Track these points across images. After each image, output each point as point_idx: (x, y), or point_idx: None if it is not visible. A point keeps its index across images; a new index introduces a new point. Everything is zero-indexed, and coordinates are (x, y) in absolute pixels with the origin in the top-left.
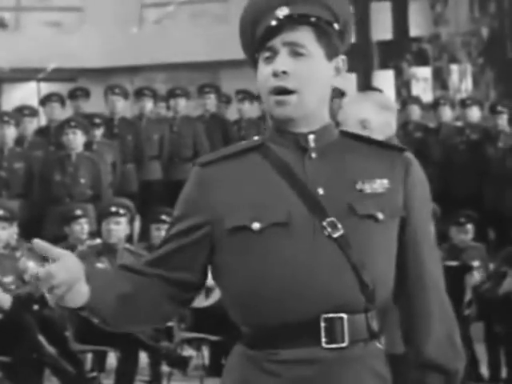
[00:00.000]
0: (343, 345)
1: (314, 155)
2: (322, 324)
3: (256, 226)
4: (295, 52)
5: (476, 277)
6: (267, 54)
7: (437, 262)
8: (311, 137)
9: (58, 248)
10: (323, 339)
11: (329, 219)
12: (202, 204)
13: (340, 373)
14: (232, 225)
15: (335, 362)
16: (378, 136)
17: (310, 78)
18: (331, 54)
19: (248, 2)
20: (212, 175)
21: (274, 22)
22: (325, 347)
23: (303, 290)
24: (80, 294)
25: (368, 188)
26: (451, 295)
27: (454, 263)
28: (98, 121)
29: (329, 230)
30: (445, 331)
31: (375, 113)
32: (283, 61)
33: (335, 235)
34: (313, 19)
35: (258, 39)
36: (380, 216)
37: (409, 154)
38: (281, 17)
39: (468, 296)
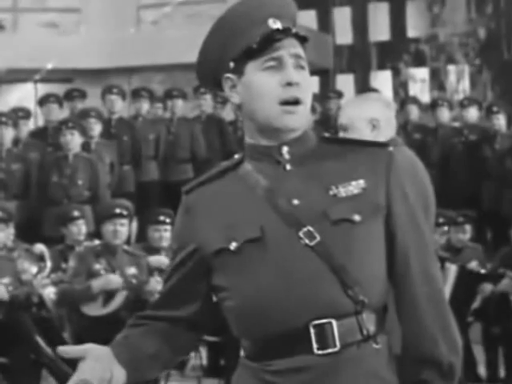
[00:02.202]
0: (335, 349)
1: (288, 167)
2: (312, 331)
3: (233, 245)
4: (298, 65)
5: (488, 288)
6: (272, 64)
7: (427, 254)
8: (285, 149)
9: (77, 346)
10: (315, 346)
11: (305, 229)
12: (189, 233)
13: (334, 377)
14: (214, 248)
15: (329, 367)
16: (385, 135)
17: (309, 91)
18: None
19: (230, 11)
20: (195, 201)
21: (276, 26)
22: (317, 353)
23: (286, 301)
24: (119, 380)
25: (342, 192)
26: (463, 297)
27: (480, 270)
28: (93, 113)
29: (306, 239)
30: (438, 324)
31: (383, 111)
32: (292, 72)
33: (312, 243)
34: (303, 34)
35: (252, 46)
36: (356, 218)
37: (392, 149)
38: (274, 27)
39: (476, 304)
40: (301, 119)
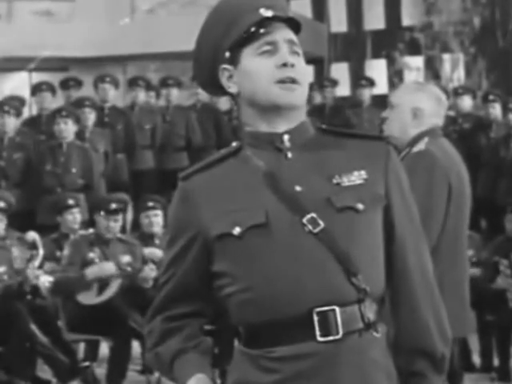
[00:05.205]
0: (338, 337)
1: (290, 154)
2: (315, 318)
3: (237, 230)
4: (293, 50)
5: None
6: (267, 48)
7: (422, 246)
8: (286, 137)
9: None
10: (317, 333)
11: (309, 215)
12: (188, 220)
13: (336, 365)
14: (216, 233)
15: (331, 354)
16: (427, 125)
17: (305, 75)
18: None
19: (223, 3)
20: (193, 187)
21: (268, 14)
22: (320, 340)
23: (290, 287)
24: None
25: (346, 181)
26: None
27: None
28: (88, 103)
29: (309, 226)
30: (432, 315)
31: (430, 104)
32: (287, 54)
33: (316, 230)
34: (295, 20)
35: (246, 31)
36: (360, 206)
37: (389, 143)
38: (266, 15)
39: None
40: (301, 97)
